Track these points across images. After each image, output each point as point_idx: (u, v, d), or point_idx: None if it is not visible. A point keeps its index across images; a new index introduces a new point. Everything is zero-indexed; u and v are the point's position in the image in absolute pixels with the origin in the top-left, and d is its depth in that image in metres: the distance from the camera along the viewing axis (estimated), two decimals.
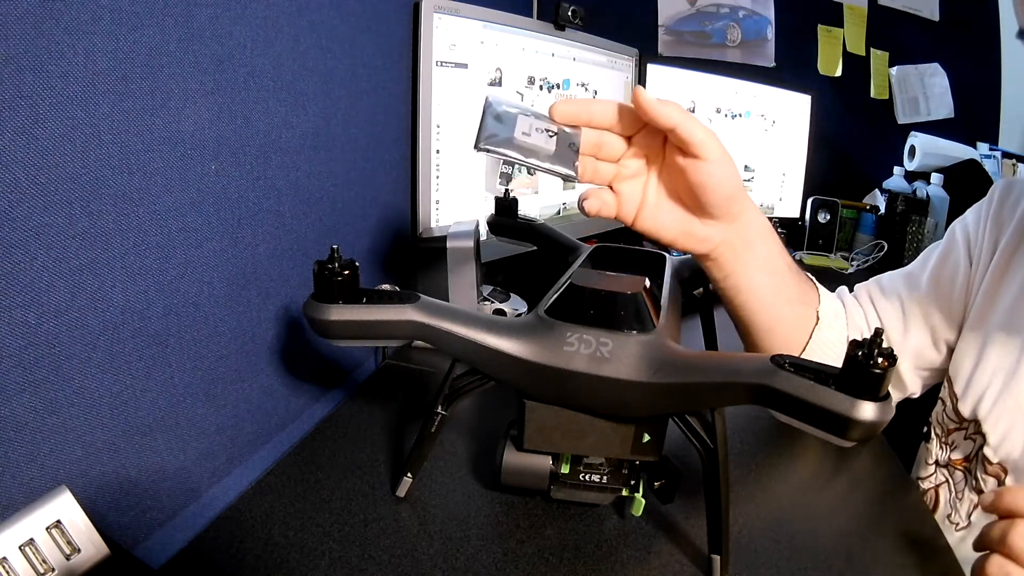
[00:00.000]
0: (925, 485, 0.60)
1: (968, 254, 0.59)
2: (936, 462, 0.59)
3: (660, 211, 0.47)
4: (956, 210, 1.35)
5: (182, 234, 0.43)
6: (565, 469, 0.44)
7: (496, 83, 0.87)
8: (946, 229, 0.64)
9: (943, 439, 0.58)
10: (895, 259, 1.33)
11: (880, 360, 0.30)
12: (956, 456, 0.57)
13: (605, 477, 0.44)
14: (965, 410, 0.55)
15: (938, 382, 0.61)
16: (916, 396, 0.63)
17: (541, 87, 0.95)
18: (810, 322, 0.55)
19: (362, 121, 0.66)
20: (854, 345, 0.30)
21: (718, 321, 0.60)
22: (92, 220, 0.36)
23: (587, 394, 0.38)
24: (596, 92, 1.06)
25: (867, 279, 0.66)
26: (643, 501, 0.44)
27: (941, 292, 0.59)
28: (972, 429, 0.54)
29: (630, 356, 0.37)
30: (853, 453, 0.58)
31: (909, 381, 0.61)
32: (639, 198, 0.46)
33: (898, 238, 1.36)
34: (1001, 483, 0.52)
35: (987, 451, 0.53)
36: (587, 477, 0.44)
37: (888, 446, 0.59)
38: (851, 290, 0.66)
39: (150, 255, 0.41)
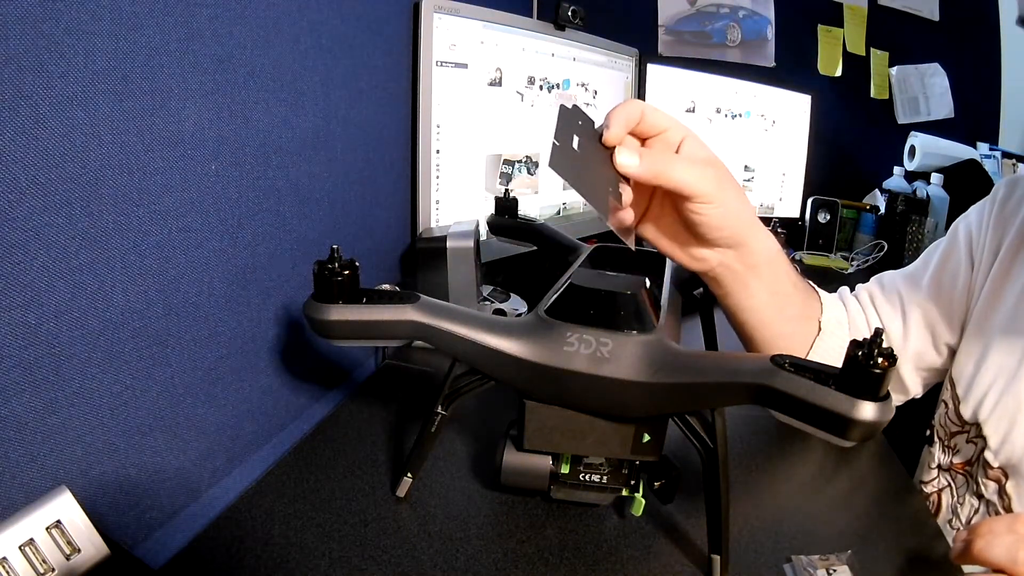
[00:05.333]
0: (928, 489, 0.59)
1: (970, 256, 0.58)
2: (939, 466, 0.58)
3: (661, 223, 0.46)
4: (956, 210, 1.35)
5: (182, 234, 0.43)
6: (565, 469, 0.44)
7: (496, 83, 0.87)
8: (946, 229, 0.63)
9: (945, 442, 0.57)
10: (895, 259, 1.33)
11: (880, 360, 0.30)
12: (958, 460, 0.56)
13: (605, 477, 0.44)
14: (966, 413, 0.54)
15: (940, 380, 0.60)
16: (919, 396, 0.62)
17: (541, 87, 0.95)
18: (811, 334, 0.54)
19: (362, 121, 0.66)
20: (854, 345, 0.30)
21: (718, 321, 0.60)
22: (92, 220, 0.36)
23: (587, 394, 0.38)
24: (596, 92, 1.06)
25: (867, 279, 0.65)
26: (643, 501, 0.44)
27: (942, 295, 0.58)
28: (973, 432, 0.54)
29: (630, 356, 0.37)
30: (853, 453, 0.58)
31: (910, 383, 0.61)
32: (645, 203, 0.46)
33: (898, 238, 1.36)
34: (1002, 487, 0.51)
35: (988, 455, 0.52)
36: (587, 477, 0.44)
37: (888, 447, 0.59)
38: (852, 289, 0.64)
39: (150, 255, 0.41)
